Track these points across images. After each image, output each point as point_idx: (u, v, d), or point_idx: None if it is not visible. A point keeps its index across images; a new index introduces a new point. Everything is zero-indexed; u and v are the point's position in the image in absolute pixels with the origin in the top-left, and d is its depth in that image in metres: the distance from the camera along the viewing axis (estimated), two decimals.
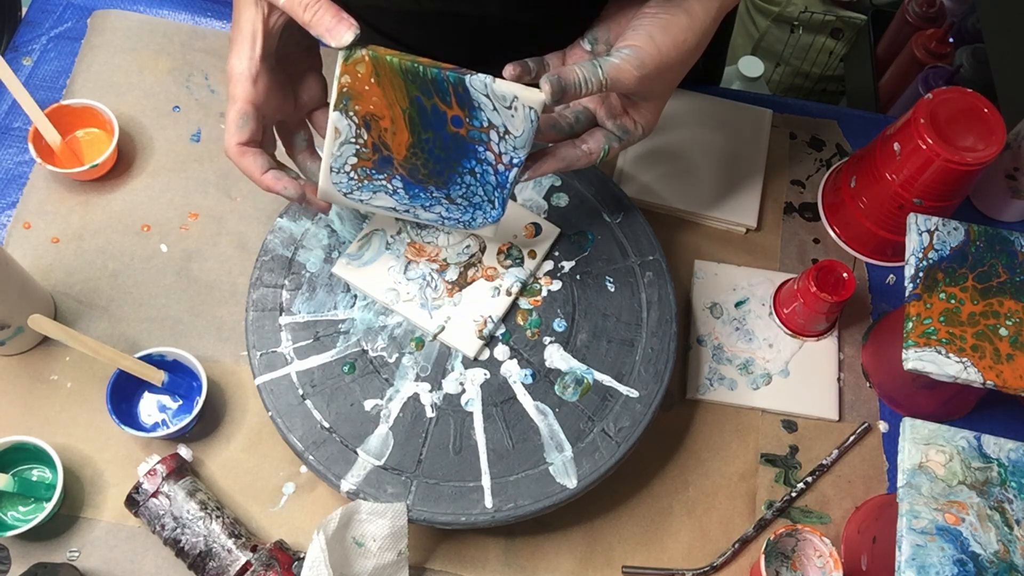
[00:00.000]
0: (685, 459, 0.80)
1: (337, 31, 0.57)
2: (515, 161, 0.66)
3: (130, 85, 0.93)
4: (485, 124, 0.64)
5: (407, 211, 0.69)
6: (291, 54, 0.65)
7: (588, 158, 0.66)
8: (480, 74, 0.61)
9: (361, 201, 0.68)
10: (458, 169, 0.66)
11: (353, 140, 0.64)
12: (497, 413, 0.72)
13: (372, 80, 0.61)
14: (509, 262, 0.77)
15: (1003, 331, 0.72)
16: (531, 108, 0.62)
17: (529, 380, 0.73)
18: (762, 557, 0.71)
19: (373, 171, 0.66)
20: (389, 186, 0.67)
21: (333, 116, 0.62)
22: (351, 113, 0.62)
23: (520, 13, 0.76)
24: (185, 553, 0.70)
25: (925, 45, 1.58)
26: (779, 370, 0.83)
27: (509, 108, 0.63)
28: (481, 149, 0.65)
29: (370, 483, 0.69)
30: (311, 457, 0.70)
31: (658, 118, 0.67)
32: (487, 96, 0.62)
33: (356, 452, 0.70)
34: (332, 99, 0.62)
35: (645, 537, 0.77)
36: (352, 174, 0.66)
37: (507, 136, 0.65)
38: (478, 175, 0.67)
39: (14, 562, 0.71)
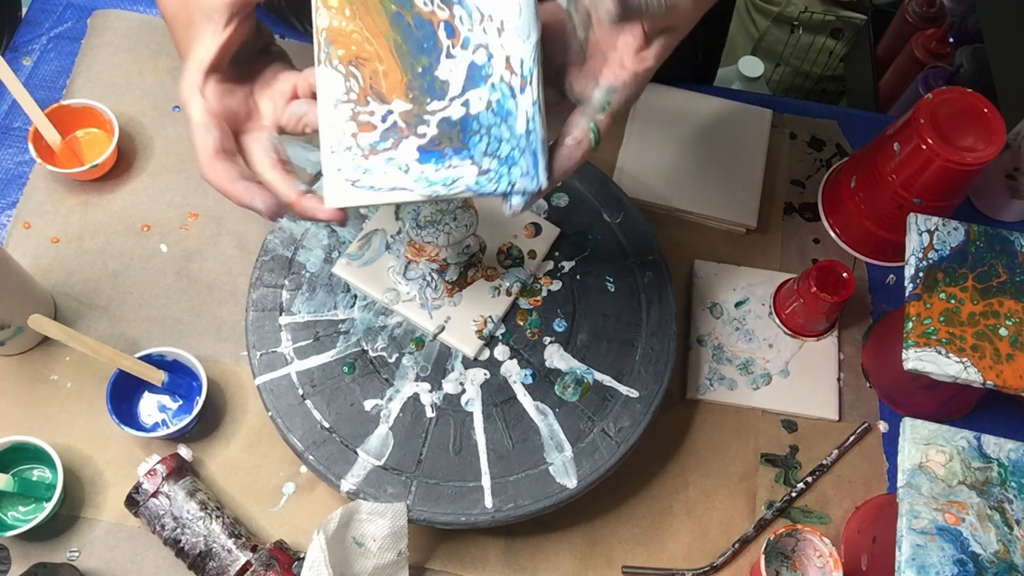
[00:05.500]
0: (685, 459, 0.80)
1: None
2: (528, 71, 0.55)
3: (130, 85, 0.93)
4: (478, 17, 0.54)
5: (428, 195, 0.56)
6: (247, 68, 0.61)
7: (581, 148, 0.58)
8: None
9: (372, 188, 0.55)
10: (471, 108, 0.55)
11: (345, 97, 0.54)
12: (497, 413, 0.72)
13: (347, 10, 0.53)
14: (509, 262, 0.77)
15: (1003, 331, 0.72)
16: None
17: (529, 380, 0.73)
18: (762, 557, 0.71)
19: (378, 141, 0.55)
20: (400, 160, 0.55)
21: (319, 73, 0.54)
22: (335, 62, 0.54)
23: None
24: (185, 553, 0.70)
25: (925, 45, 1.58)
26: (779, 370, 0.83)
27: None
28: (487, 63, 0.55)
29: (370, 483, 0.69)
30: (311, 457, 0.70)
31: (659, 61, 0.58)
32: None
33: (356, 452, 0.70)
34: (315, 55, 0.55)
35: (645, 537, 0.77)
36: (355, 151, 0.55)
37: (506, 27, 0.54)
38: (495, 106, 0.55)
39: (14, 562, 0.71)
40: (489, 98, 0.55)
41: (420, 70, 0.54)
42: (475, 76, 0.54)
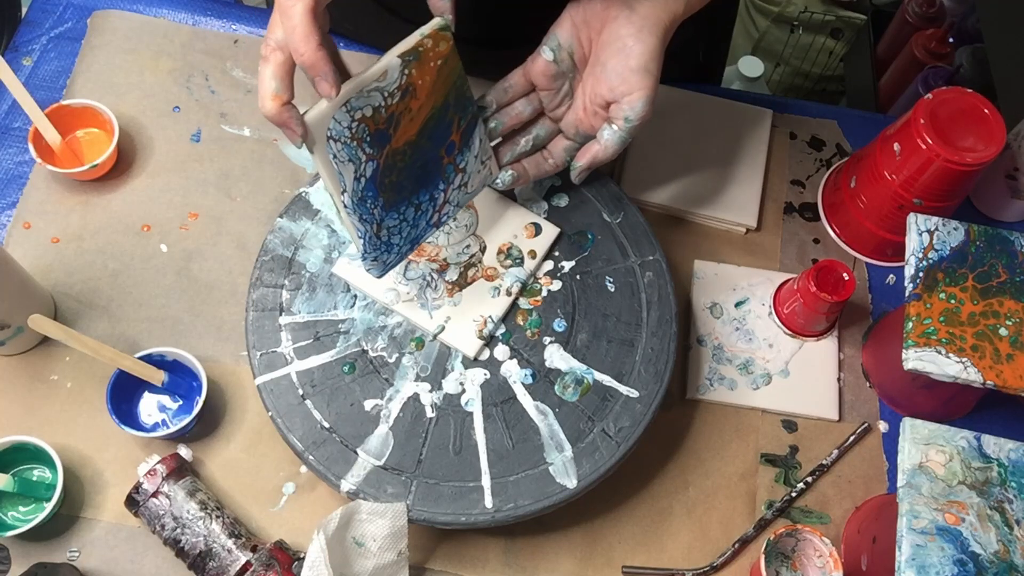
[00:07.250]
0: (685, 459, 0.80)
1: (443, 6, 0.62)
2: (443, 219, 0.73)
3: (130, 85, 0.93)
4: (462, 165, 0.70)
5: (346, 206, 0.65)
6: None
7: (556, 168, 0.76)
8: (492, 121, 0.71)
9: (333, 157, 0.62)
10: (411, 198, 0.69)
11: (386, 94, 0.62)
12: (497, 413, 0.72)
13: (440, 61, 0.63)
14: (509, 262, 0.77)
15: (1003, 331, 0.72)
16: (490, 175, 0.72)
17: (529, 380, 0.73)
18: (762, 557, 0.71)
19: (367, 139, 0.63)
20: (362, 167, 0.64)
21: (393, 59, 0.61)
22: (406, 71, 0.62)
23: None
24: (185, 553, 0.70)
25: (925, 45, 1.58)
26: (779, 370, 0.83)
27: (483, 163, 0.70)
28: (441, 187, 0.70)
29: (370, 483, 0.69)
30: (311, 457, 0.70)
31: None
32: (480, 140, 0.69)
33: (356, 452, 0.70)
34: (402, 48, 0.61)
35: (645, 537, 0.77)
36: (353, 126, 0.62)
37: (462, 188, 0.71)
38: (419, 212, 0.70)
39: (14, 562, 0.71)
40: (422, 206, 0.70)
41: (422, 143, 0.66)
42: (431, 186, 0.70)
